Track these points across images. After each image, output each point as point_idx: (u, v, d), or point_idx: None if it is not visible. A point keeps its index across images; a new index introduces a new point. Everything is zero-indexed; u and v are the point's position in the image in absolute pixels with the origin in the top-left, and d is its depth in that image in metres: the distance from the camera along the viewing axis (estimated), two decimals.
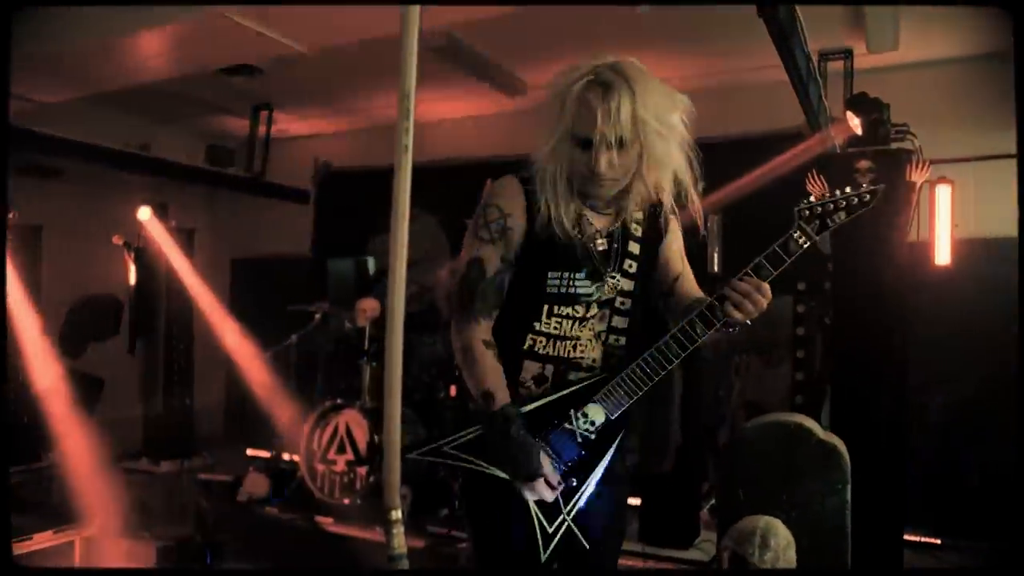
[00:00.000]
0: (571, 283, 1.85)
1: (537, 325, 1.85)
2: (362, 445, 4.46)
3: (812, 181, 3.05)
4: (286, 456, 5.45)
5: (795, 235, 1.74)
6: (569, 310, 1.85)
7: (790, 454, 2.66)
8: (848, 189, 1.76)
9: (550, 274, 1.84)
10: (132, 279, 5.97)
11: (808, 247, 1.76)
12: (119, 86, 4.63)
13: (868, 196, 1.75)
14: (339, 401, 4.62)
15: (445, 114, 6.30)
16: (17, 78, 4.37)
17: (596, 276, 1.86)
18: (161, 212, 6.04)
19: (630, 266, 1.91)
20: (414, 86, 1.16)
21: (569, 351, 1.87)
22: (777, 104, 4.25)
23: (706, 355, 4.71)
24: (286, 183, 6.81)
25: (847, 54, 4.92)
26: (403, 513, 3.79)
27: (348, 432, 4.51)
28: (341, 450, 4.52)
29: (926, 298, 3.57)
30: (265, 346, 5.64)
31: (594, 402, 1.82)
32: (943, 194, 3.49)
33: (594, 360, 1.90)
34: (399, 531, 1.30)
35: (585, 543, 1.84)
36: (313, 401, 4.94)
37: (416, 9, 1.12)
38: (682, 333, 1.77)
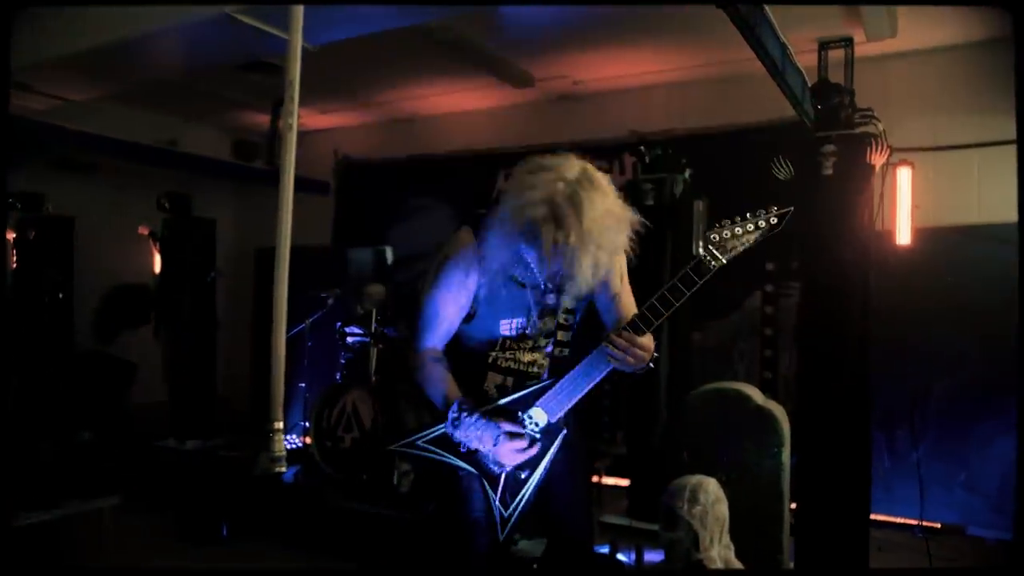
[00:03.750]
0: (521, 327, 2.11)
1: (494, 354, 2.13)
2: (368, 423, 4.66)
3: (777, 165, 3.14)
4: (300, 437, 5.68)
5: (703, 262, 1.87)
6: (521, 343, 2.13)
7: (729, 419, 2.79)
8: (759, 212, 1.85)
9: (502, 321, 2.11)
10: (157, 268, 6.26)
11: (716, 270, 1.86)
12: (138, 84, 4.90)
13: (776, 219, 1.84)
14: (347, 381, 4.83)
15: (456, 107, 6.47)
16: (46, 76, 4.70)
17: (542, 315, 2.11)
18: (186, 204, 6.31)
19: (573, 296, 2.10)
20: (298, 74, 1.33)
21: (524, 366, 2.15)
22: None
23: (708, 340, 4.85)
24: (307, 176, 7.06)
25: (847, 42, 4.98)
26: (405, 488, 3.98)
27: (355, 410, 4.73)
28: (348, 428, 4.73)
29: (894, 280, 3.67)
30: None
31: (537, 406, 2.06)
32: (904, 177, 3.55)
33: (542, 367, 2.17)
34: (279, 437, 1.51)
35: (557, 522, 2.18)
36: (327, 381, 5.18)
37: (300, 9, 1.29)
38: (586, 366, 2.00)
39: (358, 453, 4.71)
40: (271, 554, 4.29)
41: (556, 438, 2.05)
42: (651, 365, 1.95)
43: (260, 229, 7.53)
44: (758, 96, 4.82)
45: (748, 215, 1.85)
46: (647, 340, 1.90)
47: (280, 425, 1.51)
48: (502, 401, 2.08)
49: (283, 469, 1.51)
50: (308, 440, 5.08)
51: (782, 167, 3.10)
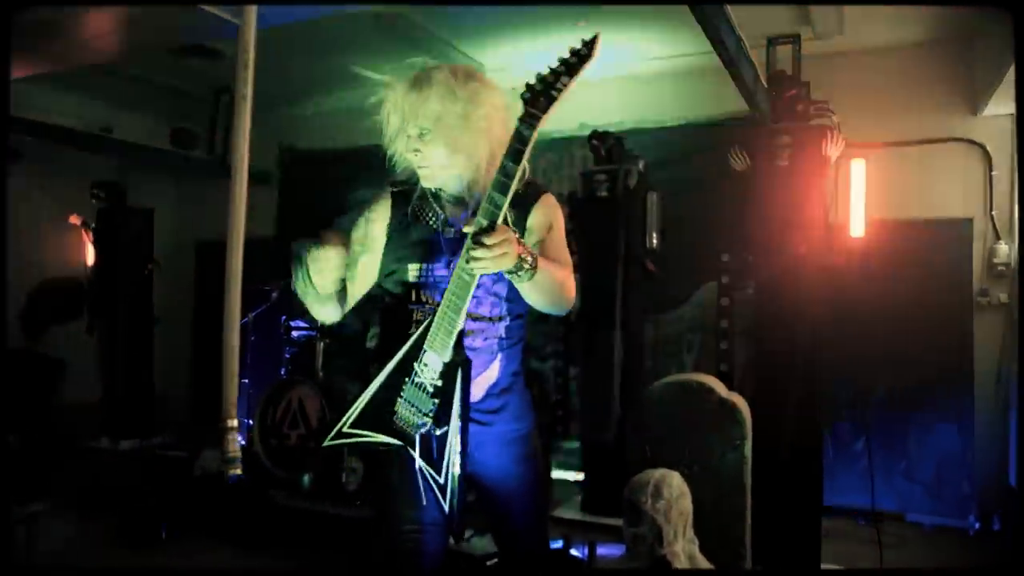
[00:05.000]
0: (430, 273, 1.98)
1: (410, 305, 1.97)
2: (314, 420, 4.54)
3: (735, 156, 3.15)
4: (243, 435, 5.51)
5: (521, 126, 1.73)
6: (433, 292, 1.96)
7: (690, 412, 2.77)
8: (566, 55, 1.70)
9: (410, 266, 1.99)
10: (90, 260, 5.99)
11: (540, 124, 1.72)
12: (69, 65, 4.65)
13: (584, 49, 1.70)
14: (292, 376, 4.70)
15: None
16: None
17: (451, 263, 1.95)
18: (121, 194, 6.06)
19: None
20: (253, 40, 1.24)
21: None
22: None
23: (658, 333, 4.88)
24: (251, 165, 6.84)
25: (795, 39, 5.06)
26: (353, 486, 3.86)
27: (301, 407, 4.60)
28: (294, 425, 4.60)
29: (852, 272, 3.75)
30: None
31: (426, 349, 1.90)
32: (857, 169, 3.61)
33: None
34: (233, 437, 1.41)
35: (488, 486, 2.03)
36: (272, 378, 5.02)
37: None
38: (453, 284, 1.85)
39: (304, 451, 4.58)
40: (214, 555, 4.14)
41: (457, 378, 1.88)
42: (527, 266, 1.79)
43: (201, 220, 7.28)
44: (710, 91, 4.87)
45: (554, 66, 1.72)
46: (501, 235, 1.73)
47: (234, 424, 1.41)
48: (399, 355, 1.92)
49: (237, 471, 1.40)
50: (252, 438, 4.92)
51: (739, 158, 3.10)
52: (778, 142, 3.05)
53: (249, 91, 1.26)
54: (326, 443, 2.00)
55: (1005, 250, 4.84)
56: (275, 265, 6.24)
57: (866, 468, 4.68)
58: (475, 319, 1.99)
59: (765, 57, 4.60)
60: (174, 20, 3.44)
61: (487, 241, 1.72)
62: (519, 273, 1.81)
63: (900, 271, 4.79)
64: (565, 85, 1.71)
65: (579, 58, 1.70)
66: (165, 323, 6.48)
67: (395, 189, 2.07)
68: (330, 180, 6.75)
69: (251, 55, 1.24)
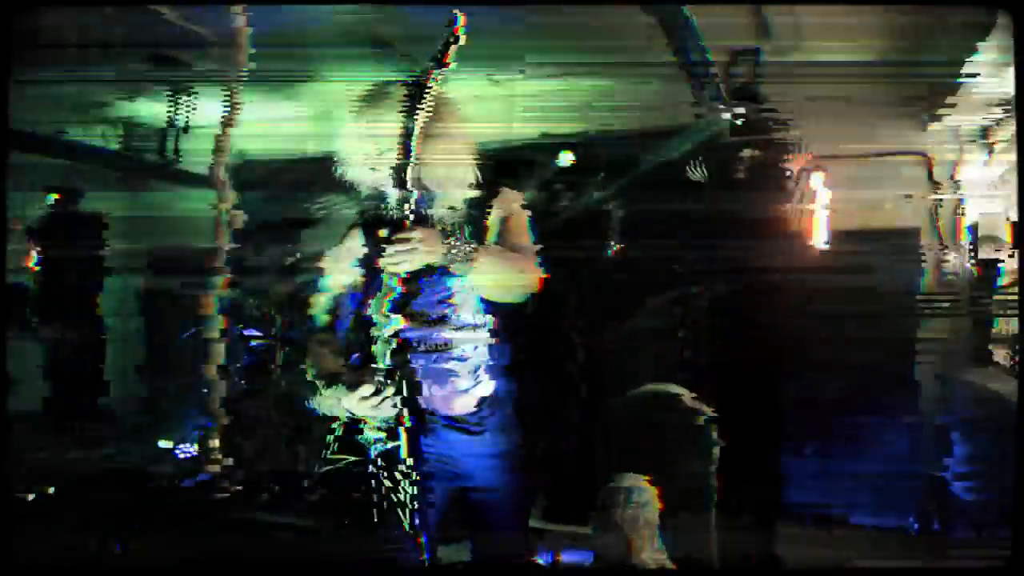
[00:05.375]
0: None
1: None
2: (270, 429, 4.48)
3: (693, 168, 3.20)
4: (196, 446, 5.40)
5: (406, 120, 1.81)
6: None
7: (660, 420, 2.82)
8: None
9: None
10: (37, 266, 5.82)
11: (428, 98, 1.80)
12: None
13: (452, 37, 1.79)
14: (249, 385, 4.62)
15: None
16: None
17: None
18: (71, 198, 5.89)
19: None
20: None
21: None
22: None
23: (611, 340, 4.92)
24: (203, 172, 6.73)
25: (755, 53, 5.16)
26: (315, 497, 3.78)
27: (256, 415, 4.53)
28: (249, 434, 4.52)
29: (807, 281, 3.85)
30: (179, 336, 5.61)
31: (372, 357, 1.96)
32: (818, 181, 3.71)
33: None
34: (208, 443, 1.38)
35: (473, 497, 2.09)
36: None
37: None
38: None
39: (263, 462, 4.50)
40: (170, 570, 4.03)
41: (403, 388, 1.90)
42: (459, 256, 1.83)
43: (153, 226, 7.12)
44: (671, 101, 4.95)
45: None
46: (406, 231, 1.80)
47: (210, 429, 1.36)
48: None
49: (206, 474, 1.36)
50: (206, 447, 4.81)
51: (697, 170, 3.15)
52: (740, 155, 3.11)
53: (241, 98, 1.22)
54: (319, 471, 2.01)
55: (950, 259, 5.03)
56: (227, 272, 6.17)
57: (814, 472, 4.87)
58: (460, 328, 2.01)
59: (726, 70, 4.70)
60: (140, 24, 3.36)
61: (397, 236, 1.81)
62: (454, 264, 1.84)
63: (850, 279, 4.90)
64: (447, 57, 1.81)
65: (445, 45, 1.80)
66: (114, 330, 6.32)
67: (363, 220, 2.15)
68: (279, 188, 6.67)
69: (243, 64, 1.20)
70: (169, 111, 6.33)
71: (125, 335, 6.76)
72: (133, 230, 7.10)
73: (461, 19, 1.78)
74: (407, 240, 1.77)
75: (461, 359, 2.01)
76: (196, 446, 5.32)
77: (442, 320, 1.98)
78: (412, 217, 1.80)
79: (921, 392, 5.03)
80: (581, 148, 4.30)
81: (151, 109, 6.50)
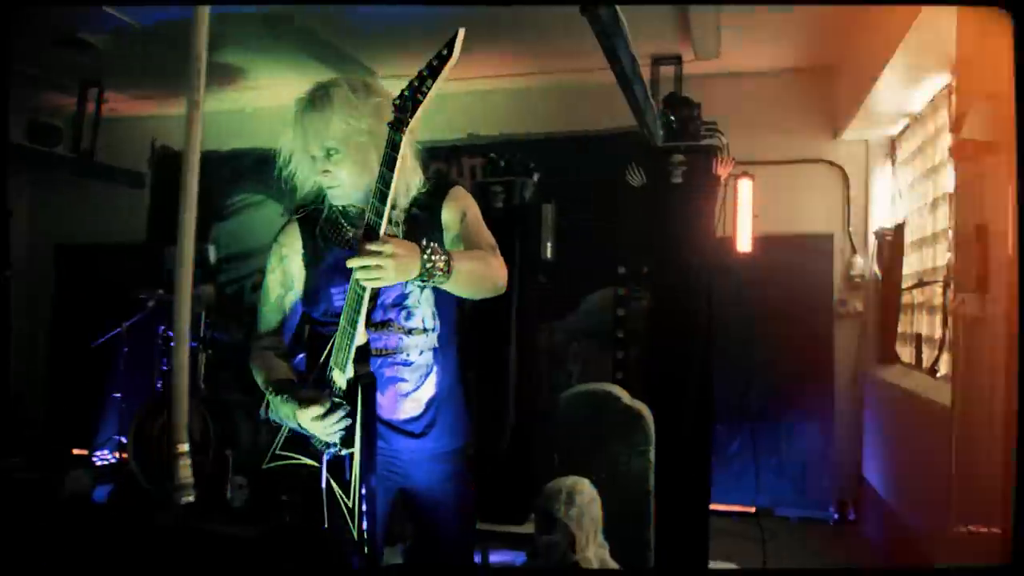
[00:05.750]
0: None
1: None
2: (197, 435, 4.33)
3: (631, 172, 3.28)
4: (115, 453, 5.19)
5: (392, 132, 1.73)
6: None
7: (598, 420, 2.88)
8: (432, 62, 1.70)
9: (332, 290, 1.96)
10: None
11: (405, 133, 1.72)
12: None
13: (446, 50, 1.69)
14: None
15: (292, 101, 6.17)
16: None
17: None
18: None
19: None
20: (205, 47, 1.19)
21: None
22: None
23: (544, 342, 4.99)
24: (119, 166, 6.47)
25: (677, 60, 5.34)
26: (240, 503, 3.72)
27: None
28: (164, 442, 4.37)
29: (732, 282, 4.00)
30: (93, 338, 5.37)
31: (332, 367, 1.86)
32: (744, 187, 3.86)
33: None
34: (185, 463, 1.35)
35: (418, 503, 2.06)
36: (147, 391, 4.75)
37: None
38: (348, 300, 1.80)
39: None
40: None
41: (358, 397, 1.82)
42: (438, 270, 1.74)
43: (61, 222, 6.80)
44: (601, 105, 5.03)
45: (422, 69, 1.72)
46: (384, 243, 1.68)
47: (184, 448, 1.33)
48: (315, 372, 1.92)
49: (190, 498, 1.32)
50: (126, 456, 4.63)
51: (635, 174, 3.23)
52: (672, 160, 3.21)
53: (201, 97, 1.19)
54: (264, 466, 1.95)
55: (860, 263, 5.31)
56: (148, 271, 5.96)
57: (741, 468, 5.12)
58: (411, 332, 1.98)
59: (649, 75, 4.83)
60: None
61: (371, 248, 1.67)
62: (434, 277, 1.76)
63: (771, 282, 5.13)
64: (429, 88, 1.70)
65: (441, 60, 1.68)
66: (19, 334, 5.99)
67: (299, 216, 2.04)
68: (207, 183, 6.45)
69: (203, 63, 1.18)
70: (80, 101, 6.08)
71: (32, 337, 6.45)
72: (40, 227, 6.80)
73: (458, 39, 1.67)
74: (380, 254, 1.66)
75: (406, 364, 1.99)
76: (114, 453, 5.13)
77: (394, 324, 1.96)
78: (383, 227, 1.69)
79: (836, 390, 5.30)
80: (514, 149, 4.33)
81: (59, 98, 6.24)
